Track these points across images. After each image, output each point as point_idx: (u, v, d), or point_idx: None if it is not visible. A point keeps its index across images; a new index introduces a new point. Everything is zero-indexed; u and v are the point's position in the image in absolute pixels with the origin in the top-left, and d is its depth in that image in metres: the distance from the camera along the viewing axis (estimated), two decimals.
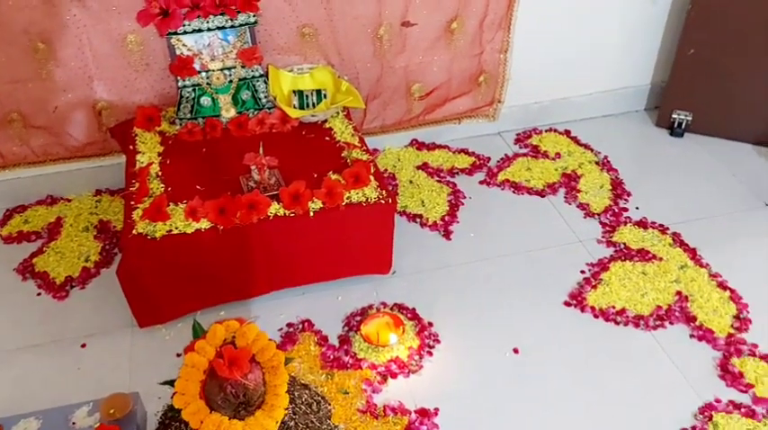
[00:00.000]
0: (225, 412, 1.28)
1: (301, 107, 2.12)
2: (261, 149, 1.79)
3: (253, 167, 1.81)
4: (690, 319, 1.90)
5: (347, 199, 1.81)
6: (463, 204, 2.34)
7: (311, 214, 1.77)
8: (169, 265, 1.75)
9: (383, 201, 1.84)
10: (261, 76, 2.11)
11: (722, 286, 1.99)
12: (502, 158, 2.55)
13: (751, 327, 1.87)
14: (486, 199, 2.37)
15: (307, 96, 2.13)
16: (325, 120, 2.12)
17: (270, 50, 2.16)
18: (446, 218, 2.26)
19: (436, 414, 1.65)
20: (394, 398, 1.69)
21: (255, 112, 2.10)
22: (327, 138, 2.06)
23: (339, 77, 2.21)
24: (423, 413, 1.64)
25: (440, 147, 2.59)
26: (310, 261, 1.89)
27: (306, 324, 1.88)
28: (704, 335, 1.85)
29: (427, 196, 2.35)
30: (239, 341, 1.32)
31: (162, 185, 1.85)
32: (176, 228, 1.72)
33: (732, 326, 1.87)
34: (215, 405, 1.29)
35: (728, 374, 1.74)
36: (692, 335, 1.86)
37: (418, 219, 2.26)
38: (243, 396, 1.29)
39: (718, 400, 1.68)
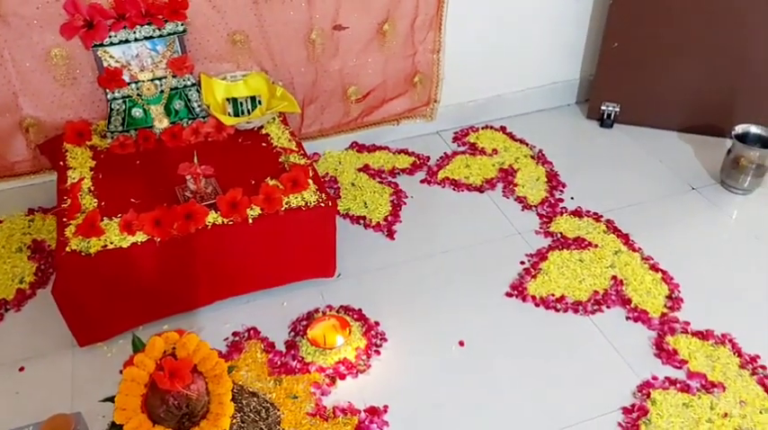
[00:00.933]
0: (168, 424, 1.27)
1: (236, 114, 2.11)
2: (195, 159, 1.78)
3: (188, 177, 1.79)
4: (625, 302, 1.97)
5: (286, 204, 1.81)
6: (405, 204, 2.37)
7: (250, 221, 1.77)
8: (106, 281, 1.71)
9: (323, 205, 1.85)
10: (193, 84, 2.08)
11: (654, 268, 2.07)
12: (441, 157, 2.59)
13: (683, 306, 1.95)
14: (427, 197, 2.40)
15: (241, 103, 2.12)
16: (262, 127, 2.11)
17: (201, 59, 2.14)
18: (389, 218, 2.29)
19: (386, 411, 1.67)
20: (343, 399, 1.69)
21: (189, 122, 2.08)
22: (264, 145, 2.05)
23: (273, 83, 2.21)
24: (372, 411, 1.66)
25: (380, 148, 2.62)
26: (253, 268, 1.88)
27: (252, 332, 1.87)
28: (639, 316, 1.92)
29: (370, 198, 2.37)
30: (180, 352, 1.31)
31: (95, 200, 1.81)
32: (111, 243, 1.68)
33: (665, 306, 1.96)
34: (158, 418, 1.28)
35: (663, 352, 1.81)
36: (628, 317, 1.93)
37: (361, 221, 2.28)
38: (186, 407, 1.28)
39: (654, 378, 1.75)
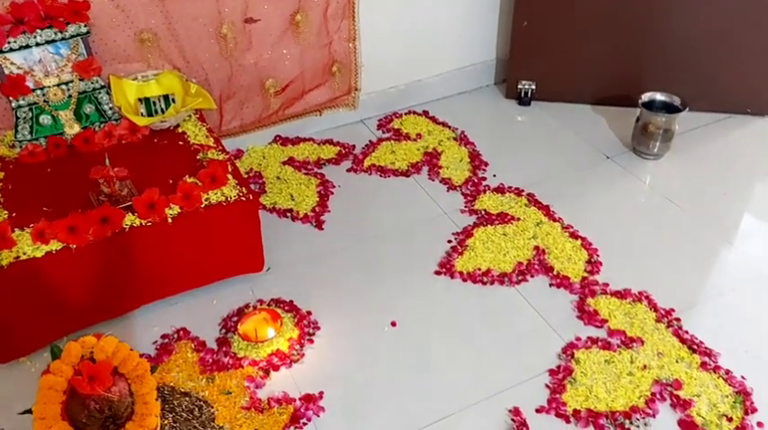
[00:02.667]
0: (92, 429, 1.25)
1: (149, 114, 2.08)
2: (107, 161, 1.74)
3: (101, 181, 1.75)
4: (548, 270, 2.04)
5: (206, 201, 1.80)
6: (333, 194, 2.38)
7: (169, 220, 1.74)
8: (22, 293, 1.66)
9: (244, 199, 1.84)
10: (102, 87, 2.04)
11: (574, 236, 2.15)
12: (366, 145, 2.61)
13: (601, 269, 2.04)
14: (354, 186, 2.42)
15: (154, 103, 2.08)
16: (177, 125, 2.08)
17: (109, 60, 2.09)
18: (317, 209, 2.29)
19: (321, 397, 1.68)
20: (278, 390, 1.70)
21: (101, 125, 2.03)
22: (181, 143, 2.02)
23: (187, 80, 2.17)
24: (307, 398, 1.67)
25: (304, 140, 2.62)
26: (178, 269, 1.86)
27: (181, 332, 1.84)
28: (561, 282, 2.00)
29: (296, 190, 2.37)
30: (98, 355, 1.29)
31: (5, 212, 1.75)
32: (24, 254, 1.63)
33: (585, 270, 2.03)
34: (80, 424, 1.25)
35: (585, 314, 1.89)
36: (551, 284, 2.00)
37: (289, 214, 2.27)
38: (108, 410, 1.26)
39: (578, 339, 1.82)
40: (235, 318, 1.88)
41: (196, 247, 1.84)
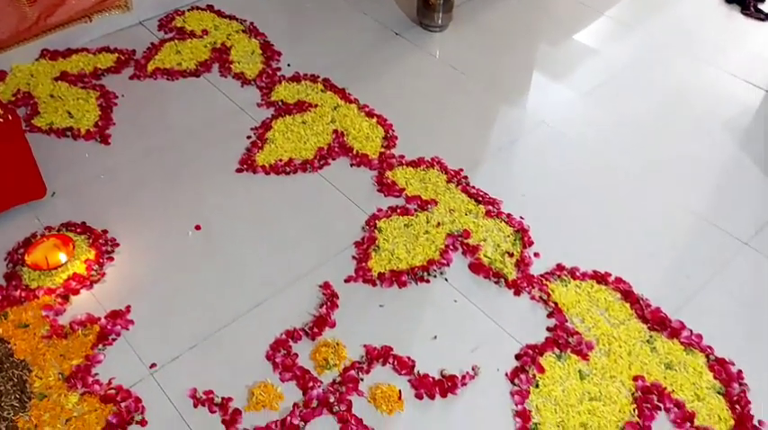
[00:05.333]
0: None
1: None
2: None
3: None
4: (348, 151, 2.09)
5: None
6: (117, 104, 2.21)
7: None
8: None
9: (2, 120, 1.65)
10: None
11: (370, 114, 2.21)
12: (148, 48, 2.43)
13: (397, 143, 2.12)
14: (140, 93, 2.27)
15: None
16: None
17: None
18: (100, 123, 2.13)
19: (128, 311, 1.64)
20: (81, 313, 1.63)
21: None
22: None
23: None
24: (113, 315, 1.62)
25: (77, 51, 2.38)
26: None
27: None
28: (361, 160, 2.06)
29: (74, 106, 2.17)
30: None
31: None
32: None
33: (382, 146, 2.11)
34: None
35: (384, 186, 1.98)
36: (352, 164, 2.05)
37: (69, 133, 2.10)
38: None
39: (379, 210, 1.91)
40: (21, 250, 1.74)
41: None
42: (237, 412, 1.45)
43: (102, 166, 2.00)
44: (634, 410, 1.48)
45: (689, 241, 1.85)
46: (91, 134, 2.09)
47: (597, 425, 1.45)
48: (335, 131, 2.14)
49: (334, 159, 2.07)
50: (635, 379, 1.53)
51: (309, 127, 2.15)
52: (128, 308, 1.64)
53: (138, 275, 1.73)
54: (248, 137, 2.13)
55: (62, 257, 1.70)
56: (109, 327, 1.59)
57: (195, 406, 1.46)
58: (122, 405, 1.44)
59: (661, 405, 1.49)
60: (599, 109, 2.28)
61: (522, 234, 1.84)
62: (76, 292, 1.67)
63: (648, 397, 1.50)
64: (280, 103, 2.24)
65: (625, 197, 1.96)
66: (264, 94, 2.28)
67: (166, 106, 2.23)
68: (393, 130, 2.16)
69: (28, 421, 1.41)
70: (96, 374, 1.51)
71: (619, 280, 1.73)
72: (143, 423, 1.43)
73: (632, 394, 1.51)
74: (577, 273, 1.75)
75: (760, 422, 1.47)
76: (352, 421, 1.43)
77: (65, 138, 2.08)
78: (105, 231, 1.82)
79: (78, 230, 1.81)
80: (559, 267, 1.76)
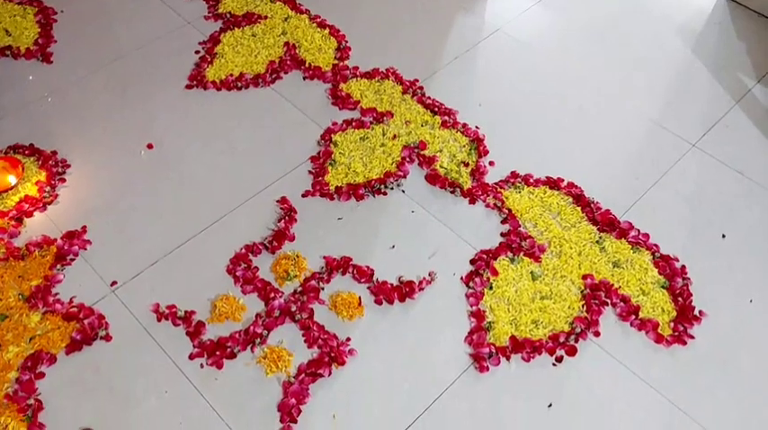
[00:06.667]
0: None
1: None
2: None
3: None
4: (300, 64, 2.04)
5: None
6: (56, 21, 2.11)
7: None
8: None
9: None
10: None
11: (322, 25, 2.15)
12: None
13: (351, 54, 2.08)
14: (80, 8, 2.16)
15: None
16: None
17: None
18: (40, 41, 2.03)
19: (85, 231, 1.63)
20: (37, 234, 1.61)
21: None
22: None
23: None
24: (70, 235, 1.61)
25: None
26: None
27: None
28: (314, 73, 2.02)
29: (11, 24, 2.07)
30: None
31: None
32: None
33: (335, 58, 2.07)
34: None
35: (339, 99, 1.95)
36: (305, 77, 2.02)
37: (8, 52, 2.00)
38: None
39: (334, 123, 1.90)
40: None
41: None
42: (201, 324, 1.48)
43: (46, 86, 1.93)
44: (583, 306, 1.55)
45: (640, 145, 1.90)
46: (31, 53, 2.00)
47: (548, 321, 1.52)
48: (287, 44, 2.09)
49: (286, 73, 2.03)
50: (584, 277, 1.60)
51: (260, 40, 2.09)
52: (84, 228, 1.63)
53: (92, 195, 1.71)
54: (197, 51, 2.06)
55: (11, 179, 1.67)
56: (66, 248, 1.58)
57: (159, 320, 1.48)
58: (86, 322, 1.45)
59: (608, 300, 1.57)
60: (557, 15, 2.26)
61: (477, 143, 1.85)
62: (30, 214, 1.65)
63: (596, 293, 1.57)
64: (228, 16, 2.16)
65: (580, 104, 1.98)
66: (211, 6, 2.20)
67: (109, 21, 2.13)
68: (346, 41, 2.12)
69: None
70: (57, 294, 1.51)
71: (571, 184, 1.78)
72: (108, 338, 1.45)
73: (581, 292, 1.58)
74: (531, 180, 1.79)
75: (700, 312, 1.56)
76: (314, 328, 1.48)
77: (4, 58, 1.99)
78: (55, 152, 1.78)
79: (27, 152, 1.76)
80: (513, 175, 1.79)
